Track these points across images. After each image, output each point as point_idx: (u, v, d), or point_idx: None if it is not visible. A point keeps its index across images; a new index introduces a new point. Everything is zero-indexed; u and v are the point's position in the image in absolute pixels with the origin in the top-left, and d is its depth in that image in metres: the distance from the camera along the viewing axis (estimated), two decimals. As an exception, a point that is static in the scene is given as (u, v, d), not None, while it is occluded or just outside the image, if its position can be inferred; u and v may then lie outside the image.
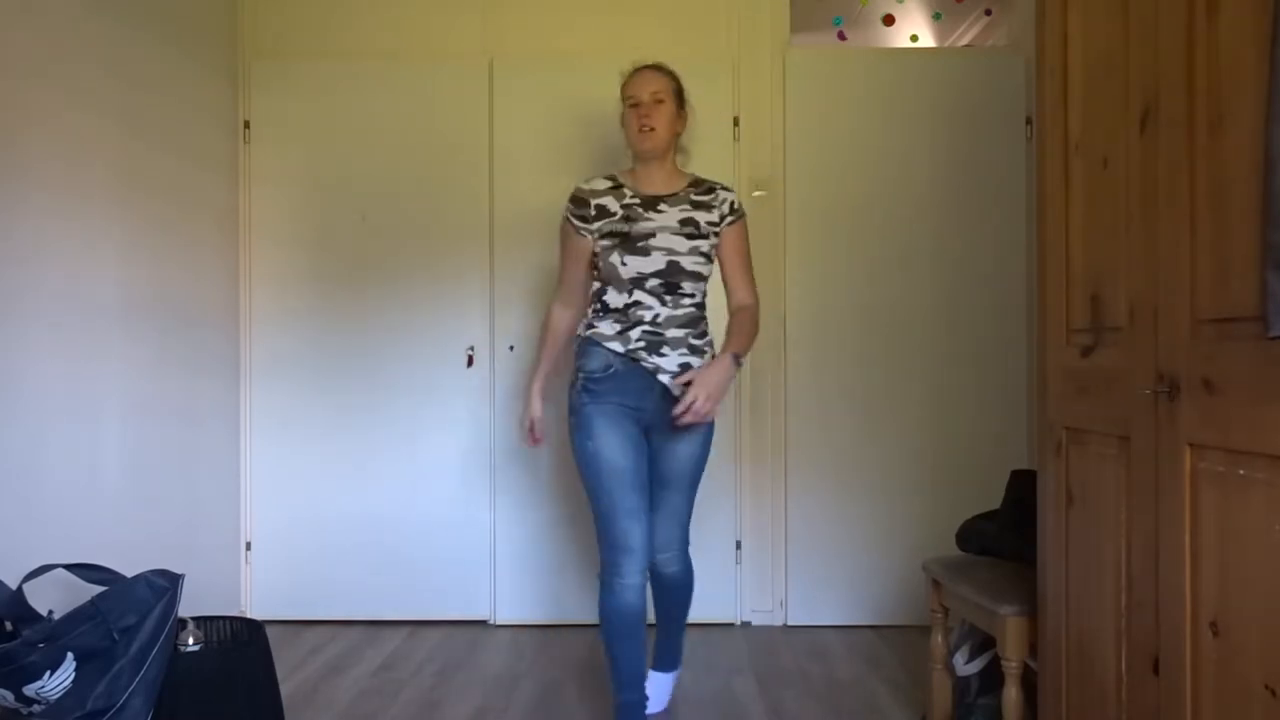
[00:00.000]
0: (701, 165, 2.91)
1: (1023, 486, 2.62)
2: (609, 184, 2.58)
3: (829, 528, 3.78)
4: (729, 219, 2.59)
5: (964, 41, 5.19)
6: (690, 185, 2.61)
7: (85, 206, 2.86)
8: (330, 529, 3.84)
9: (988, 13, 4.87)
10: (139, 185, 3.13)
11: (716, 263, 2.62)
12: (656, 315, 2.49)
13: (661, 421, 2.52)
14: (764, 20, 3.85)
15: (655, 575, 2.69)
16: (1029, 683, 2.30)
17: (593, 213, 2.54)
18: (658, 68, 2.59)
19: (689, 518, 2.70)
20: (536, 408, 2.67)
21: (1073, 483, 2.03)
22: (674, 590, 2.74)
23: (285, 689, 2.91)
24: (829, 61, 3.89)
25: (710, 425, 2.60)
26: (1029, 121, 3.72)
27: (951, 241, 3.77)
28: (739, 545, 3.81)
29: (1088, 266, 1.99)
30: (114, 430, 3.00)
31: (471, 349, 3.84)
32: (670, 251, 2.49)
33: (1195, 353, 1.57)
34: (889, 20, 4.95)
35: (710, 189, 2.62)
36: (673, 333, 2.50)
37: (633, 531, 2.42)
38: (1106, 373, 1.88)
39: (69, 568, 2.32)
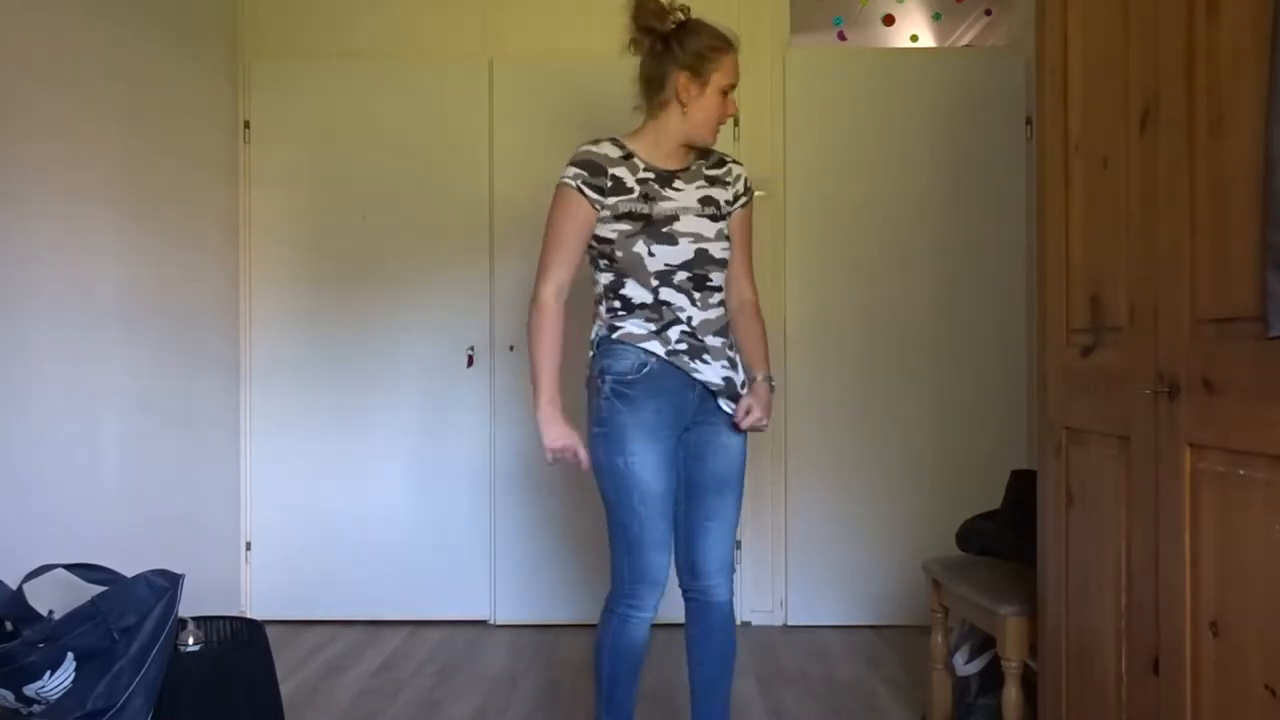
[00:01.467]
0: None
1: (1023, 486, 2.62)
2: (619, 151, 2.17)
3: (829, 528, 3.78)
4: (743, 199, 2.27)
5: (964, 41, 5.19)
6: (699, 157, 2.25)
7: (85, 207, 2.86)
8: (330, 529, 3.84)
9: (988, 13, 4.87)
10: (139, 185, 3.13)
11: None
12: (690, 317, 2.15)
13: (703, 414, 2.19)
14: (764, 20, 3.84)
15: (701, 609, 2.25)
16: (1029, 683, 2.30)
17: (609, 184, 2.13)
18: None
19: (736, 533, 2.29)
20: (566, 433, 2.12)
21: (1073, 483, 2.03)
22: (723, 629, 2.28)
23: (285, 689, 2.91)
24: (829, 61, 3.89)
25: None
26: (1029, 121, 3.71)
27: (951, 241, 3.77)
28: (739, 545, 3.81)
29: (1088, 266, 1.98)
30: (114, 430, 3.00)
31: (471, 349, 3.84)
32: (698, 237, 2.13)
33: (1195, 353, 1.57)
34: (889, 20, 4.95)
35: (720, 161, 2.28)
36: (711, 340, 2.17)
37: (660, 564, 2.14)
38: (1106, 373, 1.88)
39: (69, 568, 2.32)
